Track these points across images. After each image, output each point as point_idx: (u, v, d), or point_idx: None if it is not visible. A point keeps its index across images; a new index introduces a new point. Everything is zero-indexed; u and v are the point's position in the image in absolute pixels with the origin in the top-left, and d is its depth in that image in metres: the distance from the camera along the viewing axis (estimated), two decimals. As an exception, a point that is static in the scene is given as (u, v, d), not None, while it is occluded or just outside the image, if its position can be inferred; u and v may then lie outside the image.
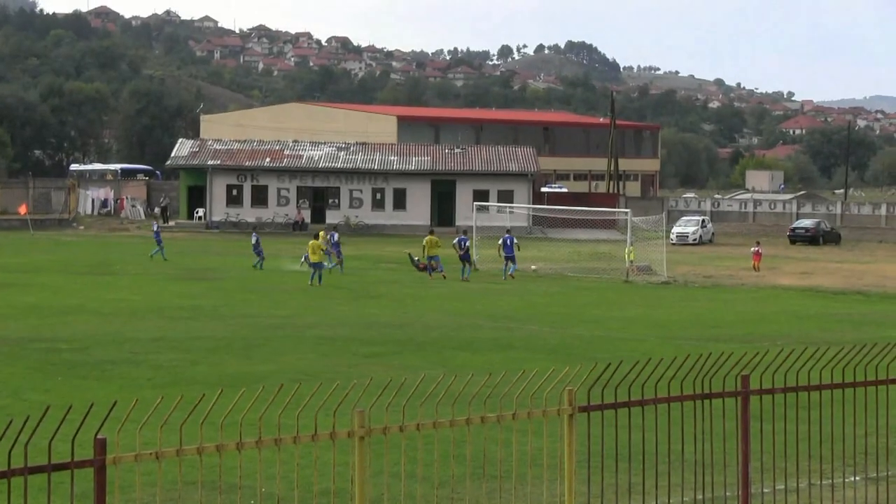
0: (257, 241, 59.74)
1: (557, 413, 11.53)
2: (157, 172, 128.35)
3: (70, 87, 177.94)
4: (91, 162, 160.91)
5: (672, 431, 12.22)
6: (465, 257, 56.11)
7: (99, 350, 28.56)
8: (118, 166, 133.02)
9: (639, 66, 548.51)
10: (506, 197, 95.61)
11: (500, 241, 56.80)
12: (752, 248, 66.02)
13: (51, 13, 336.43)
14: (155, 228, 65.20)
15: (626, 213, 64.99)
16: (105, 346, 29.12)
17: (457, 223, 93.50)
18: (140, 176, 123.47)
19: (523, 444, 15.07)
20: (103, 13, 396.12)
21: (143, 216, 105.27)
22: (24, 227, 72.75)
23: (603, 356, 24.68)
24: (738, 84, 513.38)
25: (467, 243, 56.72)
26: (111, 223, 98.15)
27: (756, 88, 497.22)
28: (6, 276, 49.68)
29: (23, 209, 73.83)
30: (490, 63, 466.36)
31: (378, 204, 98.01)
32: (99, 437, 9.13)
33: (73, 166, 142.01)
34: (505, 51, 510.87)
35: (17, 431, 8.95)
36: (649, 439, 12.58)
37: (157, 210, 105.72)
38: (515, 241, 56.56)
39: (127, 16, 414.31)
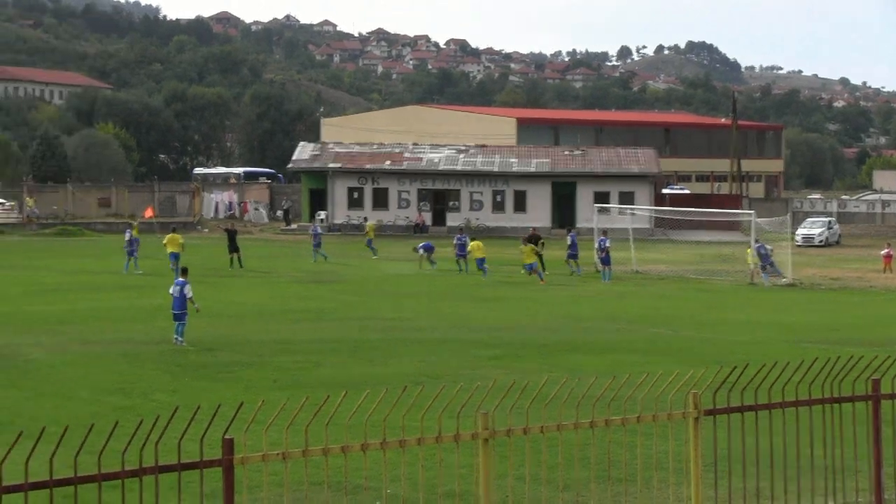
0: (316, 235, 64.90)
1: (683, 416, 11.43)
2: (279, 176, 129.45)
3: (193, 92, 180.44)
4: (214, 166, 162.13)
5: (801, 436, 12.04)
6: (461, 254, 58.01)
7: (225, 352, 28.78)
8: (241, 170, 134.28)
9: (760, 66, 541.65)
10: (626, 199, 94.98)
11: (596, 245, 56.39)
12: (883, 251, 64.65)
13: (174, 19, 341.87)
14: (316, 231, 65.70)
15: (750, 214, 64.19)
16: (231, 348, 29.34)
17: (577, 225, 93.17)
18: (262, 179, 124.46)
19: (648, 447, 14.95)
20: (224, 18, 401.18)
21: (265, 219, 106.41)
22: (149, 230, 73.83)
23: (727, 359, 24.35)
24: (864, 83, 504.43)
25: (465, 239, 58.67)
26: (237, 226, 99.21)
27: (883, 87, 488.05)
28: (133, 280, 50.47)
29: (148, 212, 74.87)
30: (609, 64, 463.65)
31: (498, 206, 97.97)
32: (227, 437, 9.24)
33: (197, 170, 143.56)
34: (624, 52, 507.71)
35: (148, 431, 9.11)
36: (777, 444, 12.38)
37: (279, 213, 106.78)
38: (608, 243, 55.60)
39: (248, 21, 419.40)
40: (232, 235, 58.86)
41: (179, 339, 29.91)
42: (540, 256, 57.15)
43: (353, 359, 27.69)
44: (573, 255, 56.96)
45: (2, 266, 57.19)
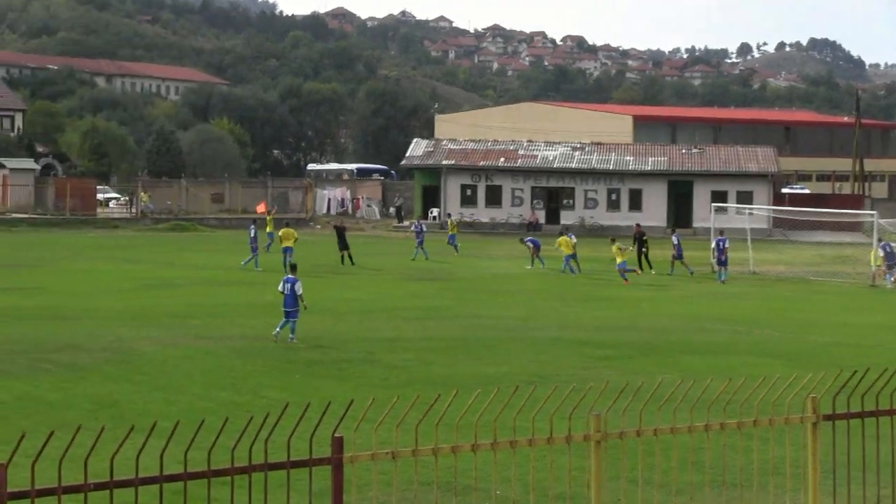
0: (419, 232, 64.43)
1: (801, 421, 11.23)
2: (392, 172, 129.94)
3: (308, 87, 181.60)
4: (327, 162, 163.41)
5: (924, 443, 11.71)
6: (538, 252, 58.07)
7: (335, 349, 28.77)
8: (354, 166, 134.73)
9: (885, 64, 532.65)
10: (745, 198, 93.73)
11: (714, 244, 55.75)
12: None
13: (290, 15, 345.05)
14: (419, 228, 65.71)
15: (872, 215, 63.09)
16: (341, 346, 29.34)
17: (694, 224, 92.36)
18: (375, 176, 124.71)
19: (764, 452, 14.75)
20: (340, 14, 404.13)
21: (377, 216, 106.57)
22: (263, 225, 74.40)
23: (847, 363, 23.97)
24: None
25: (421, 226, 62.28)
26: (347, 223, 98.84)
27: None
28: (246, 275, 50.93)
29: (261, 207, 75.32)
30: (728, 61, 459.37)
31: (613, 205, 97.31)
32: (336, 435, 9.24)
33: (311, 166, 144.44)
34: (744, 48, 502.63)
35: (258, 428, 9.14)
36: (899, 450, 12.09)
37: (391, 210, 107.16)
38: (727, 244, 54.92)
39: (363, 16, 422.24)
40: (341, 233, 58.90)
41: (291, 336, 30.00)
42: (645, 254, 57.04)
43: (464, 357, 27.56)
44: (678, 257, 56.48)
45: (116, 260, 58.04)
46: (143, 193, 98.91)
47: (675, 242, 56.91)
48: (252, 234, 55.03)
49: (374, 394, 17.38)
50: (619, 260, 52.76)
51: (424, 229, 66.32)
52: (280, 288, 30.68)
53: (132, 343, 29.28)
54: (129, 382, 23.41)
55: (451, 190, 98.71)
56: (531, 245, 59.18)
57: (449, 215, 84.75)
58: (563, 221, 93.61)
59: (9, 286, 43.87)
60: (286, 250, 53.40)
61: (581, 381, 21.07)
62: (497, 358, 27.55)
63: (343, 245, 58.42)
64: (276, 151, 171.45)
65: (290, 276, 31.23)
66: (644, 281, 53.15)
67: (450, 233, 70.48)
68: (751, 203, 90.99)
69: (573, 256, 55.31)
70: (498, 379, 23.16)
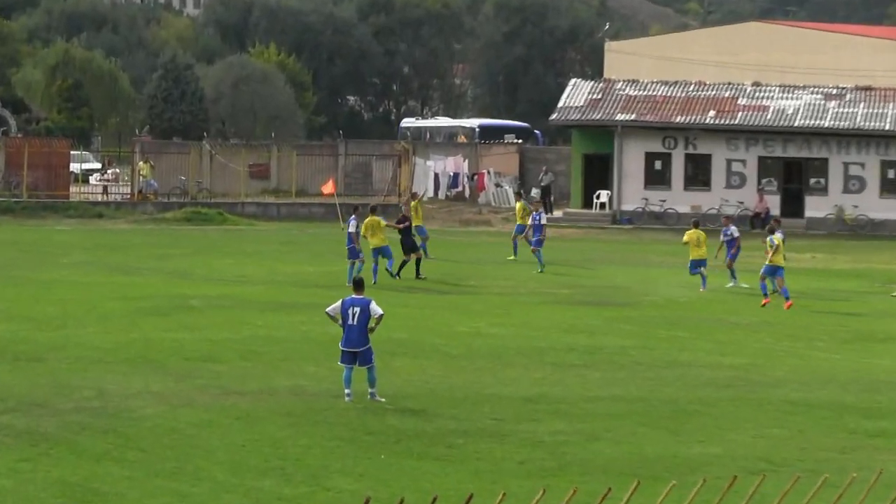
0: (538, 227, 46.88)
1: None
2: (537, 132, 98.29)
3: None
4: (433, 116, 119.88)
5: None
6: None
7: (442, 413, 22.75)
8: (476, 122, 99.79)
9: None
10: None
11: None
12: None
13: None
14: (537, 220, 48.04)
15: None
16: (451, 407, 23.20)
17: None
18: (509, 138, 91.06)
19: None
20: None
21: (511, 201, 75.92)
22: (329, 215, 59.93)
23: None
24: None
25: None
26: (462, 212, 73.09)
27: None
28: (308, 294, 39.24)
29: (328, 187, 59.19)
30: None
31: (891, 186, 72.23)
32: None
33: (406, 122, 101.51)
34: None
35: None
36: None
37: (533, 192, 76.61)
38: None
39: None
40: (404, 229, 44.23)
41: (370, 391, 23.05)
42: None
43: (648, 429, 22.03)
44: None
45: (100, 268, 45.46)
46: (142, 163, 70.73)
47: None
48: (352, 229, 42.83)
49: (506, 485, 16.27)
50: (697, 257, 41.50)
51: (544, 221, 48.75)
52: (333, 311, 23.06)
53: (123, 400, 23.08)
54: (117, 463, 19.32)
55: (630, 162, 72.30)
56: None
57: (522, 193, 62.37)
58: (808, 212, 70.74)
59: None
60: (376, 253, 42.09)
61: (838, 469, 18.26)
62: (701, 431, 21.95)
63: (409, 245, 44.58)
64: (351, 99, 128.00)
65: (355, 295, 23.24)
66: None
67: (518, 222, 50.81)
68: None
69: (777, 272, 41.62)
70: (704, 464, 19.53)
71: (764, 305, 37.83)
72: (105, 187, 74.14)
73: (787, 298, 37.45)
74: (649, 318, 36.16)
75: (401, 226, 43.81)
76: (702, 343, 32.07)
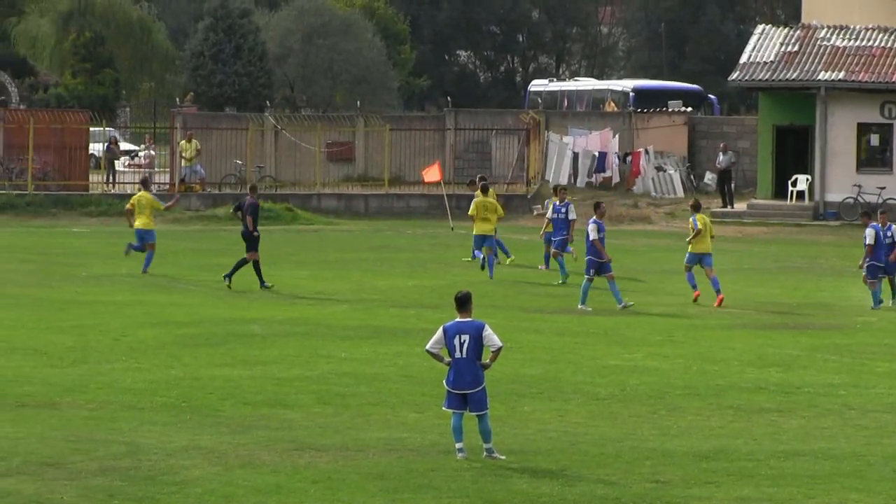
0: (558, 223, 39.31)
1: None
2: (711, 98, 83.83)
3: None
4: (570, 77, 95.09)
5: None
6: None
7: (588, 475, 18.51)
8: (630, 83, 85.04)
9: None
10: None
11: None
12: None
13: None
14: (559, 210, 40.28)
15: None
16: (601, 466, 18.99)
17: None
18: (673, 105, 76.12)
19: None
20: None
21: (677, 190, 67.40)
22: (434, 210, 54.72)
23: None
24: None
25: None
26: (612, 204, 59.09)
27: None
28: (408, 318, 33.22)
29: (433, 174, 50.79)
30: None
31: None
32: None
33: (535, 85, 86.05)
34: None
35: None
36: None
37: (708, 177, 68.18)
38: None
39: None
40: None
41: (485, 446, 18.51)
42: None
43: (864, 494, 17.69)
44: None
45: (129, 284, 39.39)
46: (184, 143, 60.09)
47: None
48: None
49: None
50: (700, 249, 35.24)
51: (572, 216, 40.38)
52: (436, 346, 18.37)
53: (163, 459, 19.15)
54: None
55: (837, 137, 60.18)
56: None
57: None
58: None
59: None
60: (481, 241, 37.00)
61: None
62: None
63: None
64: (462, 54, 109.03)
65: (460, 318, 18.18)
66: None
67: (548, 212, 41.97)
68: None
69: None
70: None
71: None
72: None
73: None
74: (864, 347, 30.86)
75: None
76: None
